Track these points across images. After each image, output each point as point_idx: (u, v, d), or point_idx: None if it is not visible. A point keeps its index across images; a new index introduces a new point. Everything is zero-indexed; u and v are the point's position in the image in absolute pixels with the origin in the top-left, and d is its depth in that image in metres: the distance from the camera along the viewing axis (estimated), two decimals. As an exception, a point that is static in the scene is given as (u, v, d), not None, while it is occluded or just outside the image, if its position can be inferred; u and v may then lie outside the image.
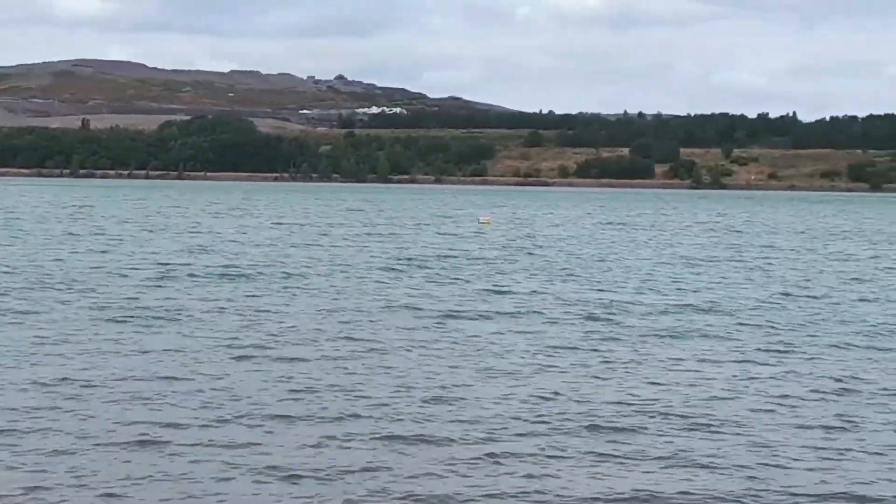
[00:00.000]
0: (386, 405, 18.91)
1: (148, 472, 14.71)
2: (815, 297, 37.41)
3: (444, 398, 19.52)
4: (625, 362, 23.79)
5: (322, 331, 27.37)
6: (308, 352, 24.13)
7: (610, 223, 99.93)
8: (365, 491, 14.09)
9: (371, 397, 19.56)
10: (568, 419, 17.99)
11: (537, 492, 14.14)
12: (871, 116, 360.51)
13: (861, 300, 37.21)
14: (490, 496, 13.96)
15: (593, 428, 17.40)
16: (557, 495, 14.04)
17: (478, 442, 16.47)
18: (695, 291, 38.86)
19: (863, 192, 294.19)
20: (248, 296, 34.49)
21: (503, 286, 39.18)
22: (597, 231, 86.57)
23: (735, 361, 24.17)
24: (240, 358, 23.34)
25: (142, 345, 24.75)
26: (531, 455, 15.78)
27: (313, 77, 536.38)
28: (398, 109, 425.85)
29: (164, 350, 24.02)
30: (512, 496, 14.01)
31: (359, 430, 17.14)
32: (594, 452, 16.13)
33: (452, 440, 16.59)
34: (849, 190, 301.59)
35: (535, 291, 37.58)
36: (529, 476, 14.75)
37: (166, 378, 20.82)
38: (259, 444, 16.14)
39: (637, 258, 55.65)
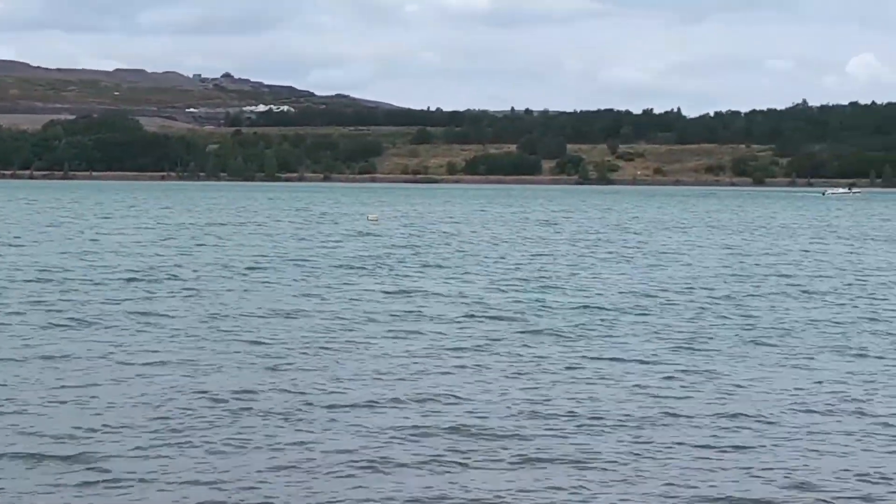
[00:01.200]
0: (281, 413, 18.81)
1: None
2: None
3: (312, 402, 19.59)
4: (508, 362, 23.68)
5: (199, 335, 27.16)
6: (192, 354, 24.21)
7: (522, 217, 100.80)
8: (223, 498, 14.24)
9: (259, 398, 19.77)
10: (444, 421, 18.09)
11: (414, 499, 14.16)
12: (753, 111, 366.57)
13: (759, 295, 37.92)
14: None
15: (466, 429, 17.50)
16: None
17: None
18: (600, 291, 38.77)
19: (746, 186, 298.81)
20: (124, 300, 34.11)
21: (399, 285, 39.42)
22: (499, 226, 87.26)
23: (635, 361, 24.05)
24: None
25: None
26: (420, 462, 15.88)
27: (199, 75, 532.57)
28: (285, 107, 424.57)
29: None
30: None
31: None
32: (467, 454, 16.20)
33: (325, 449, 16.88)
34: (732, 184, 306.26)
35: (426, 291, 37.77)
36: (399, 483, 14.77)
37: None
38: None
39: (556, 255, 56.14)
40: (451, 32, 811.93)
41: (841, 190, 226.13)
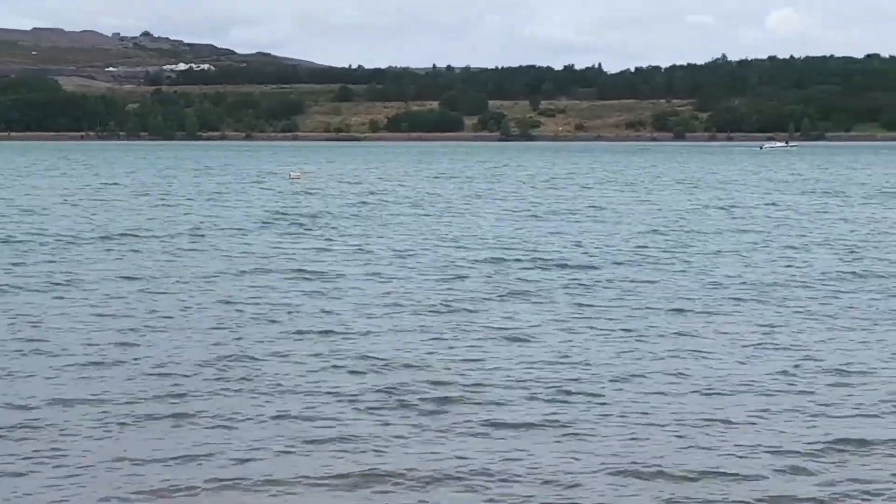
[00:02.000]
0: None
1: None
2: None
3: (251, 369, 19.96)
4: (459, 324, 23.55)
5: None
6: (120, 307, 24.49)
7: (443, 175, 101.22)
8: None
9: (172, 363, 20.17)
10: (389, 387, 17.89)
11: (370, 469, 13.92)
12: (673, 66, 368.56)
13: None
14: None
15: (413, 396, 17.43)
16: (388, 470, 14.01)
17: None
18: (536, 247, 38.67)
19: (667, 141, 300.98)
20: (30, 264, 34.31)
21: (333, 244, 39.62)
22: (434, 184, 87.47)
23: (592, 323, 23.82)
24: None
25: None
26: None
27: (118, 34, 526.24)
28: (206, 66, 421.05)
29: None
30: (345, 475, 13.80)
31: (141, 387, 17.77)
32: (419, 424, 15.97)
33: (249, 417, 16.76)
34: (653, 139, 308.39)
35: (361, 249, 38.05)
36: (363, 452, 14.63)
37: None
38: None
39: (483, 213, 56.35)
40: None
41: (778, 144, 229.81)
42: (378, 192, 74.56)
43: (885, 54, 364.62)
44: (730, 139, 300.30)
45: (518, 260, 34.61)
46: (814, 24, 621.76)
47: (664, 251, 37.71)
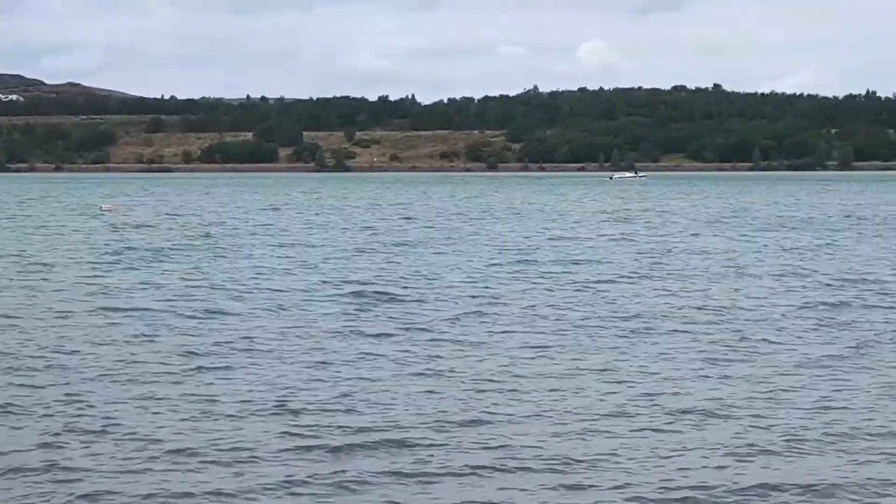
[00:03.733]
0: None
1: None
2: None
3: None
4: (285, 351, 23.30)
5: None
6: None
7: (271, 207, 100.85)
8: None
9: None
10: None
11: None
12: (486, 98, 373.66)
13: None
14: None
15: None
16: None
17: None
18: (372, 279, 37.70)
19: (480, 171, 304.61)
20: None
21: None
22: (254, 215, 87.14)
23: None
24: None
25: None
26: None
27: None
28: (14, 96, 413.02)
29: None
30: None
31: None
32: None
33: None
34: (467, 170, 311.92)
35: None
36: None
37: None
38: None
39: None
40: (186, 18, 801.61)
41: (628, 174, 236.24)
42: (217, 223, 73.88)
43: (691, 86, 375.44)
44: (542, 169, 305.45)
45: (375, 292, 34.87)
46: (623, 56, 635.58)
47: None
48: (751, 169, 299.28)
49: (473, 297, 32.20)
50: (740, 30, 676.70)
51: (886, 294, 32.97)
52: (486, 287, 34.98)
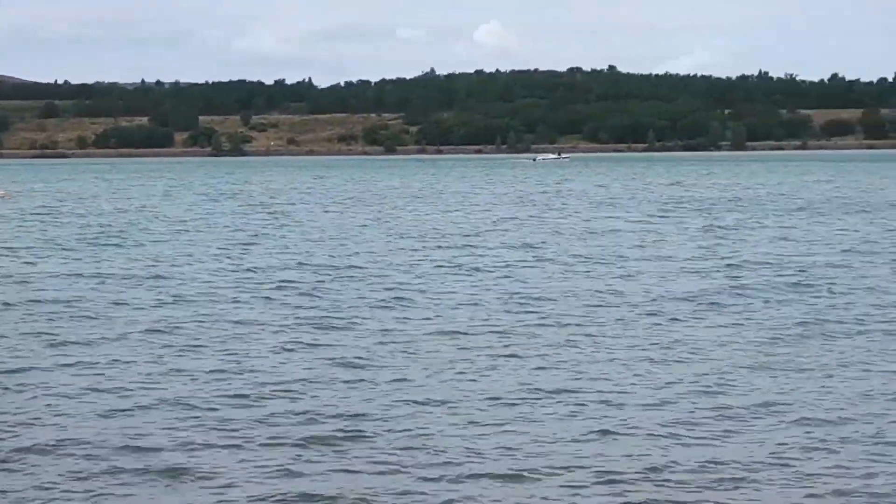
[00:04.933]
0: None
1: None
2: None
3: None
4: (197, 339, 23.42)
5: None
6: None
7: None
8: None
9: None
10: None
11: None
12: (383, 81, 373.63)
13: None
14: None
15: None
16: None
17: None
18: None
19: (378, 154, 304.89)
20: None
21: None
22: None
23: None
24: None
25: None
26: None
27: None
28: None
29: None
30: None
31: None
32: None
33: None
34: (364, 153, 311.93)
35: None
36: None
37: None
38: None
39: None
40: (81, 2, 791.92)
41: (551, 156, 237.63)
42: (109, 212, 73.17)
43: (587, 68, 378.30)
44: (439, 152, 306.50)
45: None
46: (519, 39, 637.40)
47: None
48: (646, 150, 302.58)
49: (389, 288, 32.02)
50: (636, 11, 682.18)
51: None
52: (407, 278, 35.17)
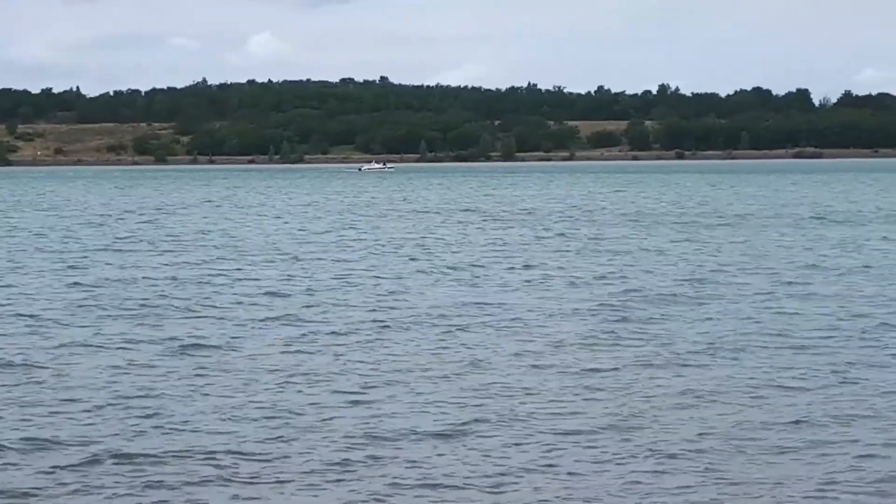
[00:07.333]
0: None
1: None
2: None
3: None
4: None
5: None
6: None
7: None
8: None
9: None
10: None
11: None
12: (153, 90, 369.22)
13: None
14: None
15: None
16: None
17: None
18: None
19: (149, 164, 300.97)
20: None
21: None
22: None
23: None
24: None
25: None
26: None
27: None
28: None
29: None
30: None
31: None
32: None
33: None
34: (135, 163, 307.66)
35: None
36: None
37: None
38: None
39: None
40: None
41: (377, 165, 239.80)
42: None
43: (359, 79, 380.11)
44: (211, 162, 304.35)
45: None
46: (293, 49, 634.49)
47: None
48: (418, 160, 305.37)
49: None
50: (409, 23, 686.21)
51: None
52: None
